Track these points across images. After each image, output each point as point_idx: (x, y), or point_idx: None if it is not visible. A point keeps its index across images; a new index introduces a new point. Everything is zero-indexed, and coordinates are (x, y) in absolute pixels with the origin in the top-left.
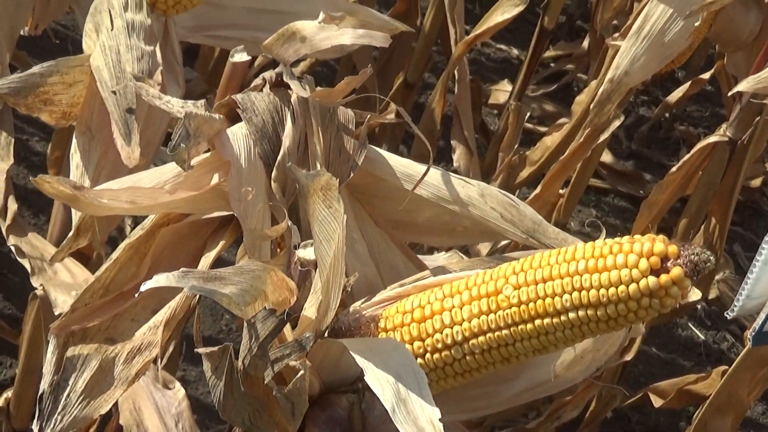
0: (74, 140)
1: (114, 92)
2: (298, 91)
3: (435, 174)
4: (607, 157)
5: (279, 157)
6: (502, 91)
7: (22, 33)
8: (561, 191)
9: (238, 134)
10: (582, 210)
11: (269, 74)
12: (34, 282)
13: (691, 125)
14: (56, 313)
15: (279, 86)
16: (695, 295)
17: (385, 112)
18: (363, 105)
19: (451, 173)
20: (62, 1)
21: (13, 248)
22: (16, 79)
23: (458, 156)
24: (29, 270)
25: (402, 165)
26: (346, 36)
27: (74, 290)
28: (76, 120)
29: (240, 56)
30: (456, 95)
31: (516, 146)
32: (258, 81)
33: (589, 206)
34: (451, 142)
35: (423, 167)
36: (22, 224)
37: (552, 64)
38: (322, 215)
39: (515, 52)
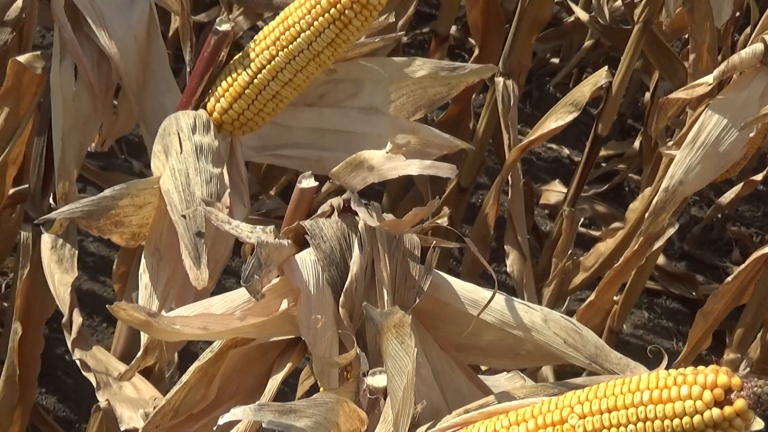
0: (143, 260)
1: (184, 216)
2: (366, 219)
3: (499, 299)
4: (659, 258)
5: (347, 284)
6: (553, 192)
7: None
8: (615, 298)
9: (307, 260)
10: (634, 312)
11: (337, 201)
12: (100, 396)
13: (743, 225)
14: (122, 429)
15: (346, 212)
16: (758, 425)
17: (438, 215)
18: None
19: (514, 299)
20: (129, 119)
21: (78, 362)
22: (88, 203)
23: (512, 261)
24: (94, 384)
25: (466, 290)
26: (413, 166)
27: (140, 406)
28: (145, 240)
29: (308, 182)
30: (509, 200)
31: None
32: (326, 207)
33: (641, 308)
34: (505, 247)
35: (488, 293)
36: (86, 337)
37: (603, 164)
38: (395, 350)
39: (566, 151)
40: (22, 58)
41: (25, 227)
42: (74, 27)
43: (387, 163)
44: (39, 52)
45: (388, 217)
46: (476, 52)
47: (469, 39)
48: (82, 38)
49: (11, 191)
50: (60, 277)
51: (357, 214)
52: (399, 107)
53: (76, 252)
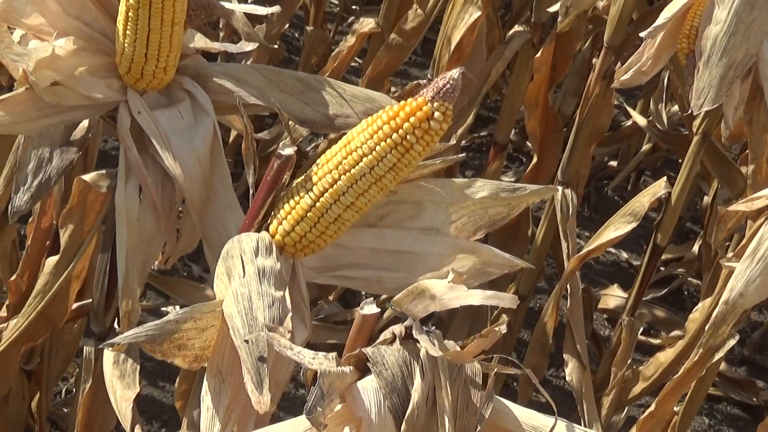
0: (205, 382)
1: (246, 341)
2: (428, 347)
3: (560, 426)
4: None
5: (408, 412)
6: (612, 296)
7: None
8: (675, 408)
9: (369, 388)
10: (695, 418)
11: (399, 329)
12: None
13: None
14: None
15: (408, 339)
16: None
17: (497, 323)
18: (473, 318)
19: (576, 426)
20: (192, 238)
21: None
22: (152, 327)
23: (570, 370)
24: None
25: (528, 417)
26: (474, 296)
27: None
28: (208, 363)
29: (370, 309)
30: (568, 310)
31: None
32: (387, 335)
33: (701, 414)
34: (564, 355)
35: (549, 420)
36: None
37: (662, 268)
38: None
39: (624, 255)
40: (87, 177)
41: (87, 341)
42: (139, 148)
43: (449, 292)
44: (104, 171)
45: (450, 344)
46: (534, 159)
47: (528, 143)
48: (146, 159)
49: (75, 306)
50: (122, 392)
51: (419, 342)
52: (460, 227)
53: (138, 367)
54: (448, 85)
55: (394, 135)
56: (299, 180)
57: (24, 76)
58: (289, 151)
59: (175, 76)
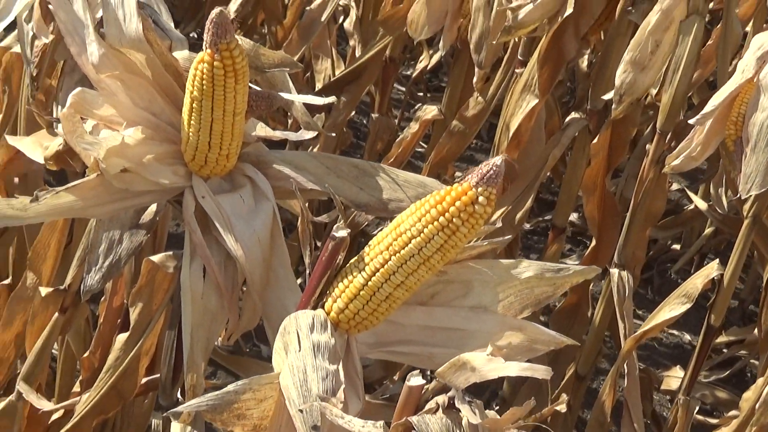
0: None
1: (301, 411)
2: (469, 416)
3: None
4: None
5: None
6: (674, 378)
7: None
8: None
9: None
10: None
11: (442, 399)
12: None
13: None
14: None
15: (451, 409)
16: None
17: (557, 402)
18: (535, 395)
19: None
20: (253, 316)
21: None
22: (213, 397)
23: None
24: None
25: None
26: (511, 368)
27: None
28: None
29: (416, 380)
30: (626, 389)
31: None
32: (432, 405)
33: None
34: None
35: None
36: None
37: (725, 350)
38: None
39: (687, 337)
40: (155, 258)
41: (156, 414)
42: (203, 231)
43: (488, 364)
44: (171, 253)
45: (491, 414)
46: (593, 242)
47: None
48: (210, 241)
49: (144, 380)
50: None
51: (461, 411)
52: (507, 306)
53: None
54: (492, 171)
55: (441, 218)
56: (353, 260)
57: (95, 163)
58: (342, 233)
59: (237, 163)
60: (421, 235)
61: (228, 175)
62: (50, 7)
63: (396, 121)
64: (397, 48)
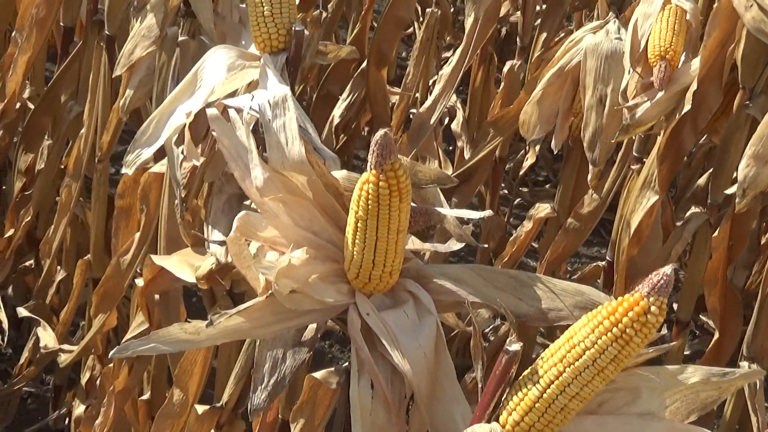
0: None
1: None
2: None
3: None
4: None
5: None
6: None
7: None
8: None
9: None
10: None
11: None
12: None
13: None
14: None
15: None
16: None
17: None
18: None
19: None
20: (421, 429)
21: None
22: None
23: None
24: None
25: None
26: None
27: None
28: None
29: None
30: None
31: None
32: None
33: None
34: None
35: None
36: None
37: None
38: None
39: None
40: (318, 375)
41: None
42: (369, 347)
43: None
44: (332, 369)
45: None
46: (716, 335)
47: (701, 316)
48: (376, 357)
49: None
50: None
51: None
52: (674, 411)
53: None
54: (662, 280)
55: (615, 329)
56: (526, 373)
57: (266, 285)
58: (515, 347)
59: (399, 279)
60: (595, 346)
61: (390, 291)
62: (213, 134)
63: (504, 218)
64: (506, 148)
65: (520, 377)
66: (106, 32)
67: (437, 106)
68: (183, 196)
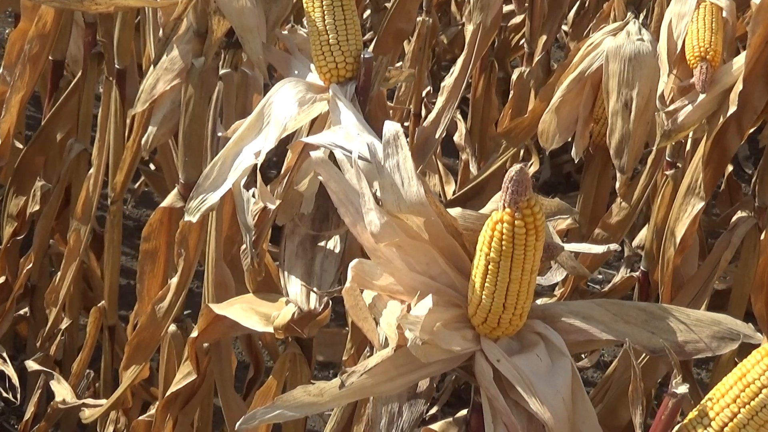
0: None
1: None
2: None
3: None
4: None
5: None
6: None
7: None
8: None
9: None
10: None
11: None
12: None
13: None
14: None
15: None
16: None
17: None
18: None
19: None
20: None
21: None
22: None
23: None
24: None
25: None
26: None
27: None
28: None
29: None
30: None
31: None
32: None
33: None
34: None
35: None
36: None
37: None
38: None
39: None
40: (436, 426)
41: None
42: (503, 395)
43: None
44: (451, 419)
45: None
46: (764, 341)
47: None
48: (509, 405)
49: None
50: None
51: None
52: None
53: None
54: None
55: None
56: (693, 416)
57: (401, 338)
58: (683, 389)
59: (526, 320)
60: None
61: (516, 334)
62: (320, 178)
63: None
64: (517, 159)
65: (687, 421)
66: (116, 66)
67: (442, 119)
68: (253, 240)
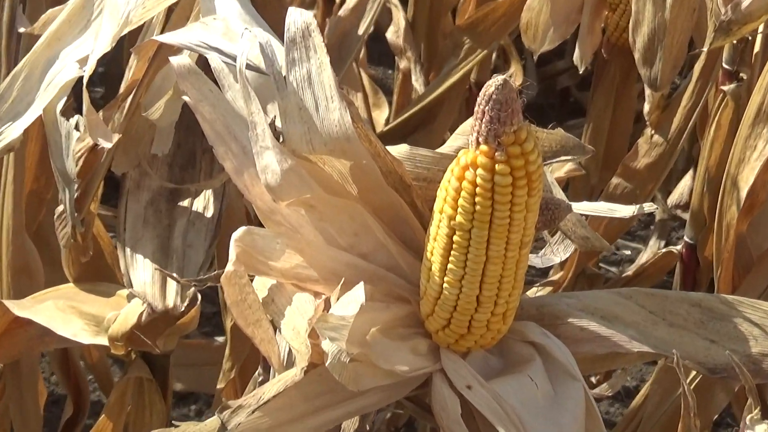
0: None
1: None
2: None
3: None
4: None
5: None
6: None
7: None
8: None
9: None
10: None
11: None
12: None
13: None
14: None
15: None
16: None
17: None
18: None
19: None
20: None
21: None
22: None
23: None
24: None
25: None
26: None
27: None
28: None
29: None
30: None
31: None
32: None
33: None
34: None
35: None
36: None
37: None
38: None
39: None
40: None
41: None
42: None
43: None
44: None
45: None
46: None
47: None
48: None
49: None
50: None
51: None
52: None
53: None
54: None
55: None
56: None
57: (316, 354)
58: (761, 428)
59: (513, 323)
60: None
61: (497, 346)
62: (186, 99)
63: None
64: (487, 67)
65: None
66: None
67: (367, 5)
68: (76, 197)
